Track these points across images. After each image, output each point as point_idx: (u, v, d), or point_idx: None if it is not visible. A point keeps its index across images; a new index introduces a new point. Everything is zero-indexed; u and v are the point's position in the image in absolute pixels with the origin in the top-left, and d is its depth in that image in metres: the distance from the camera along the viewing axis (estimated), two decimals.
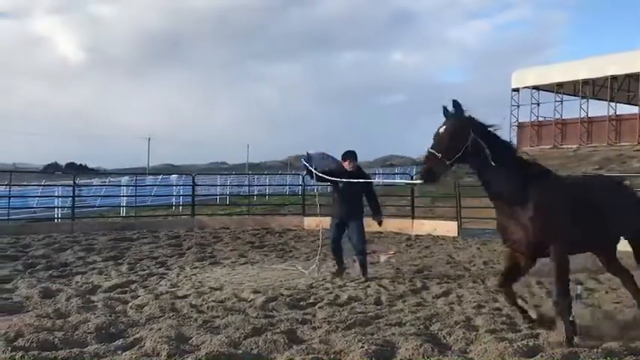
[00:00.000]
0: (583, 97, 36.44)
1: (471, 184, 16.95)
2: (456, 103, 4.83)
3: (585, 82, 35.58)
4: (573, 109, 37.10)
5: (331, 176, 8.18)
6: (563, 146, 34.10)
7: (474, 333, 5.05)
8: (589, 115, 35.80)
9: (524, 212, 4.80)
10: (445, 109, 4.88)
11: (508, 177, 4.83)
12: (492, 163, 4.75)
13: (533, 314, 5.23)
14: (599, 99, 36.70)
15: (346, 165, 8.41)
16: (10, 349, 4.41)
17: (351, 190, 8.11)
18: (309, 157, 8.45)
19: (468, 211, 14.70)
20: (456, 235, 13.28)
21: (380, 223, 8.79)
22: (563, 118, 37.20)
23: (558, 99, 37.65)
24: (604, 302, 6.43)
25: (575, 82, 35.81)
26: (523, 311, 5.25)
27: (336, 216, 8.41)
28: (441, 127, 4.87)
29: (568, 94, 37.72)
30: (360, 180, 8.12)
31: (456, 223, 13.68)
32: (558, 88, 36.93)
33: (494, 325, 5.33)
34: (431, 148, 4.78)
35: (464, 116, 4.86)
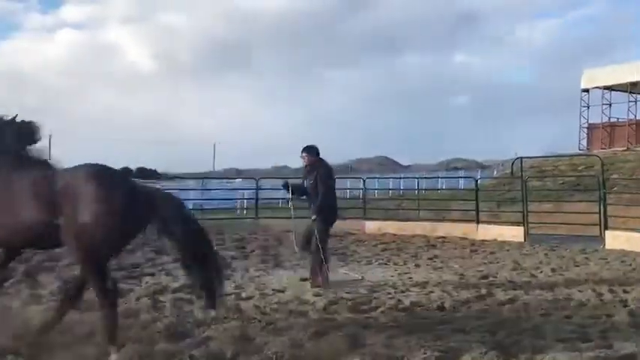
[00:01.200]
0: None
1: (539, 188, 16.51)
2: None
3: None
4: None
5: (299, 189, 8.45)
6: (638, 148, 32.49)
7: (542, 342, 4.89)
8: None
9: None
10: None
11: None
12: None
13: None
14: None
15: (303, 161, 8.38)
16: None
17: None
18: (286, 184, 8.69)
19: (535, 216, 14.29)
20: (523, 240, 12.92)
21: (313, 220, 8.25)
22: (637, 118, 35.48)
23: (632, 99, 35.95)
24: None
25: None
26: None
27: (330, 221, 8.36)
28: None
29: None
30: None
31: (522, 228, 13.31)
32: (632, 87, 35.26)
33: (564, 334, 5.14)
34: None
35: None
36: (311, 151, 8.34)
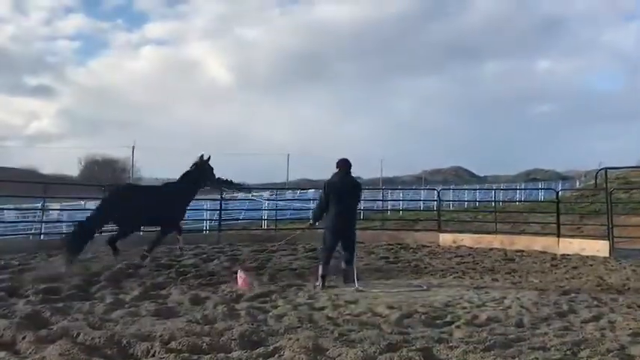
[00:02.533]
0: None
1: (626, 200, 15.67)
2: None
3: None
4: None
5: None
6: None
7: None
8: None
9: None
10: None
11: None
12: None
13: None
14: None
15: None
16: (164, 350, 4.80)
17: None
18: None
19: (621, 230, 13.57)
20: (608, 255, 12.29)
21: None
22: None
23: None
24: None
25: None
26: None
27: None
28: None
29: None
30: None
31: (607, 242, 12.66)
32: None
33: None
34: None
35: None
36: (341, 164, 9.19)
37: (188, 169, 10.80)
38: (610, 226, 12.86)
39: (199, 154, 10.87)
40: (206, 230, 18.63)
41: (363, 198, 32.17)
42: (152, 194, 10.69)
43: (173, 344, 4.97)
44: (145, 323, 5.78)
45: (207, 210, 20.76)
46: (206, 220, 19.59)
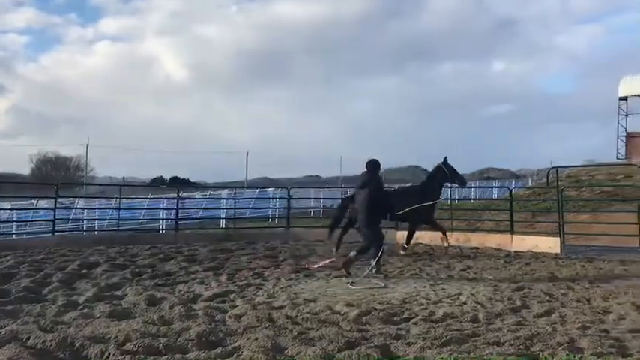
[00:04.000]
0: None
1: (576, 198, 16.18)
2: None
3: None
4: None
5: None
6: None
7: (579, 356, 4.77)
8: None
9: None
10: None
11: None
12: None
13: None
14: None
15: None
16: (119, 352, 4.71)
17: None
18: None
19: (571, 227, 14.01)
20: (559, 251, 12.66)
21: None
22: None
23: None
24: None
25: None
26: None
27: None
28: None
29: None
30: None
31: (558, 238, 13.05)
32: None
33: (601, 348, 5.00)
34: None
35: None
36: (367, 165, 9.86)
37: (432, 170, 12.55)
38: (561, 223, 13.24)
39: (444, 157, 12.39)
40: (162, 229, 18.35)
41: (322, 196, 32.29)
42: (406, 195, 12.60)
43: (128, 346, 4.88)
44: (99, 325, 5.65)
45: (163, 209, 20.48)
46: (162, 219, 19.29)
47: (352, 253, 9.55)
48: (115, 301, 7.02)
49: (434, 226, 12.76)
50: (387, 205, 10.09)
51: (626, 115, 36.27)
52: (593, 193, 21.38)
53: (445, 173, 12.33)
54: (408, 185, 14.29)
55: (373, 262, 9.35)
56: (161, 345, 4.91)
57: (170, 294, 7.57)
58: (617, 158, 34.78)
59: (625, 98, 36.18)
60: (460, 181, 12.78)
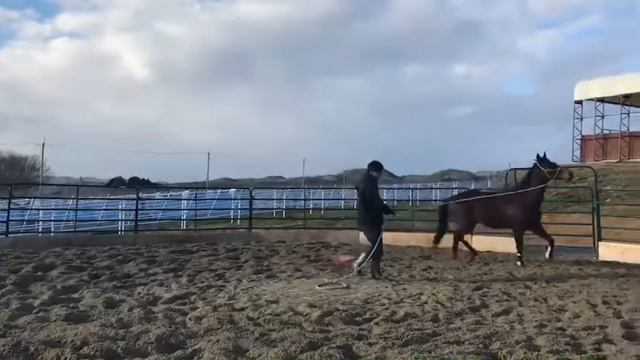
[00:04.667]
0: None
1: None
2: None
3: None
4: None
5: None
6: (631, 160, 32.66)
7: (536, 353, 4.87)
8: None
9: None
10: None
11: None
12: None
13: None
14: None
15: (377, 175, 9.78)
16: (76, 356, 4.59)
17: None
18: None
19: None
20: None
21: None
22: (630, 131, 35.71)
23: (624, 111, 36.22)
24: None
25: None
26: None
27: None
28: None
29: (635, 107, 36.25)
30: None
31: None
32: (624, 100, 35.53)
33: (557, 346, 5.12)
34: None
35: None
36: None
37: (532, 169, 10.96)
38: None
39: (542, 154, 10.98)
40: (121, 231, 18.00)
41: (285, 197, 32.21)
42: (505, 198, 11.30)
43: (85, 350, 4.76)
44: (54, 329, 5.49)
45: (122, 210, 20.09)
46: (121, 220, 18.93)
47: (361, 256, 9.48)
48: (71, 304, 6.85)
49: (540, 234, 11.42)
50: (376, 206, 9.58)
51: (581, 119, 37.31)
52: (549, 194, 21.89)
53: (545, 171, 10.70)
54: (502, 186, 13.03)
55: (359, 259, 9.39)
56: (119, 349, 4.81)
57: (129, 296, 7.43)
58: (573, 160, 35.73)
59: (580, 102, 37.23)
60: (570, 176, 11.19)
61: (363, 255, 9.44)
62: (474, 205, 11.53)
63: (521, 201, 10.92)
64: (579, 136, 37.37)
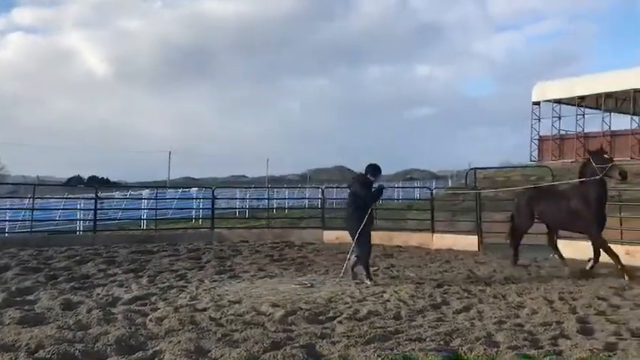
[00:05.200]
0: (606, 111, 36.03)
1: (492, 198, 16.85)
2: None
3: (608, 95, 35.19)
4: (596, 122, 36.68)
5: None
6: None
7: (495, 349, 4.96)
8: (612, 129, 35.34)
9: None
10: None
11: None
12: None
13: None
14: (621, 112, 36.23)
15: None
16: None
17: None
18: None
19: (489, 226, 14.58)
20: (477, 249, 13.15)
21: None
22: (585, 131, 36.77)
23: (580, 112, 37.27)
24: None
25: (597, 96, 35.42)
26: None
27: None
28: None
29: (590, 108, 37.34)
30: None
31: (476, 237, 13.55)
32: (580, 101, 36.56)
33: (516, 342, 5.24)
34: None
35: None
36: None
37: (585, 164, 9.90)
38: (479, 222, 13.77)
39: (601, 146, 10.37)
40: (80, 231, 17.60)
41: (248, 197, 32.00)
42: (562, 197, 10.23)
43: (41, 353, 4.64)
44: (8, 332, 5.33)
45: (80, 210, 19.66)
46: (80, 220, 18.50)
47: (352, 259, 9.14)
48: (26, 307, 6.65)
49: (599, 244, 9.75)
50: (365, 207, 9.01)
51: (539, 120, 38.22)
52: (509, 193, 22.35)
53: (597, 166, 9.50)
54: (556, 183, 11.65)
55: (356, 265, 9.11)
56: (77, 351, 4.70)
57: (87, 298, 7.27)
58: (531, 160, 36.60)
59: (538, 103, 38.13)
60: (622, 175, 9.37)
61: (354, 259, 9.08)
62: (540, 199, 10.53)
63: (586, 197, 9.60)
64: (537, 137, 38.30)
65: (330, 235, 15.11)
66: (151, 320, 6.07)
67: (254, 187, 39.19)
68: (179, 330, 5.60)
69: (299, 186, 46.45)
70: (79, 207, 20.38)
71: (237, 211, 28.44)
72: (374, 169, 9.25)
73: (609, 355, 4.73)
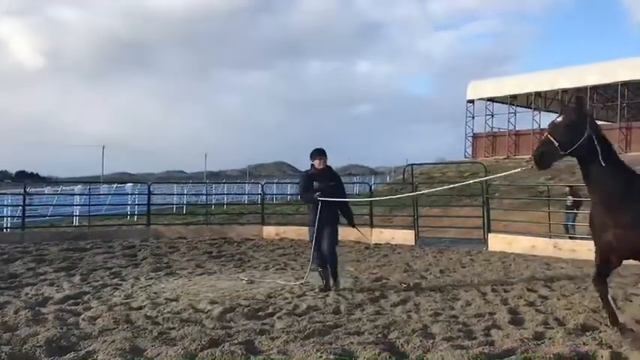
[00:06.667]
0: (535, 109, 37.53)
1: (428, 194, 17.28)
2: (578, 98, 5.24)
3: (537, 94, 36.68)
4: (526, 120, 38.17)
5: (310, 185, 8.05)
6: (517, 157, 34.94)
7: (431, 341, 5.09)
8: (541, 127, 36.86)
9: (627, 214, 4.91)
10: (564, 102, 5.08)
11: (615, 177, 4.99)
12: (602, 162, 4.92)
13: (621, 317, 5.34)
14: (550, 111, 37.86)
15: (316, 164, 8.08)
16: None
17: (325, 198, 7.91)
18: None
19: (425, 220, 14.94)
20: (414, 243, 13.43)
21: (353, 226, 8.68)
22: (516, 129, 38.20)
23: (512, 111, 38.68)
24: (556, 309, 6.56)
25: (527, 95, 36.87)
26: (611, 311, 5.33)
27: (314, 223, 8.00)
28: (560, 117, 5.10)
29: (521, 106, 38.80)
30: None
31: (413, 231, 13.84)
32: (512, 100, 37.94)
33: (451, 333, 5.39)
34: (550, 135, 4.98)
35: (583, 111, 5.18)
36: (324, 154, 8.13)
37: None
38: (415, 217, 14.06)
39: None
40: (7, 228, 16.81)
41: (186, 192, 31.39)
42: None
43: None
44: None
45: (7, 206, 18.78)
46: (7, 216, 17.68)
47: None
48: None
49: None
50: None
51: (473, 117, 39.40)
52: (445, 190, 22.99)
53: None
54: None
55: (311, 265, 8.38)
56: (4, 354, 4.49)
57: (15, 298, 6.95)
58: (465, 156, 37.69)
59: (472, 101, 39.29)
60: None
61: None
62: None
63: None
64: (471, 134, 39.46)
65: (269, 231, 15.06)
66: (83, 319, 5.87)
67: (192, 183, 38.53)
68: (113, 329, 5.44)
69: (238, 181, 46.02)
70: (5, 203, 19.47)
71: (174, 207, 27.92)
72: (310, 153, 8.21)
73: (537, 344, 4.93)
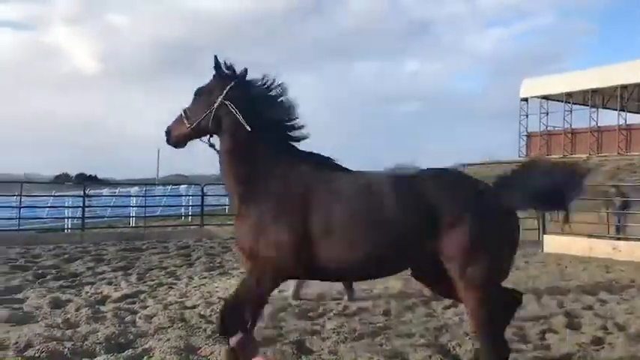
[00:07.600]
0: (593, 107, 36.28)
1: None
2: (215, 59, 4.05)
3: (595, 91, 35.44)
4: (583, 118, 36.95)
5: None
6: (574, 156, 33.86)
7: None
8: (599, 125, 35.63)
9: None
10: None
11: (267, 163, 3.89)
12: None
13: None
14: (608, 108, 36.52)
15: None
16: (20, 359, 4.43)
17: None
18: None
19: None
20: None
21: None
22: (572, 127, 37.04)
23: (567, 108, 37.52)
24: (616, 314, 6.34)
25: (584, 92, 35.66)
26: None
27: None
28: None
29: (577, 104, 37.58)
30: None
31: None
32: (567, 97, 36.79)
33: (505, 336, 5.26)
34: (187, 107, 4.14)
35: (220, 74, 4.08)
36: None
37: None
38: None
39: None
40: (68, 229, 17.48)
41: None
42: None
43: (30, 352, 4.60)
44: None
45: (68, 207, 19.52)
46: (68, 217, 18.38)
47: None
48: (15, 305, 6.60)
49: None
50: None
51: (527, 116, 38.43)
52: None
53: None
54: None
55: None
56: (66, 350, 4.67)
57: (76, 296, 7.23)
58: (520, 156, 36.79)
59: (526, 99, 38.33)
60: None
61: None
62: None
63: None
64: (525, 133, 38.50)
65: None
66: (140, 318, 6.04)
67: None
68: (168, 327, 5.58)
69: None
70: (67, 204, 20.24)
71: (226, 207, 28.36)
72: None
73: (596, 349, 4.78)
